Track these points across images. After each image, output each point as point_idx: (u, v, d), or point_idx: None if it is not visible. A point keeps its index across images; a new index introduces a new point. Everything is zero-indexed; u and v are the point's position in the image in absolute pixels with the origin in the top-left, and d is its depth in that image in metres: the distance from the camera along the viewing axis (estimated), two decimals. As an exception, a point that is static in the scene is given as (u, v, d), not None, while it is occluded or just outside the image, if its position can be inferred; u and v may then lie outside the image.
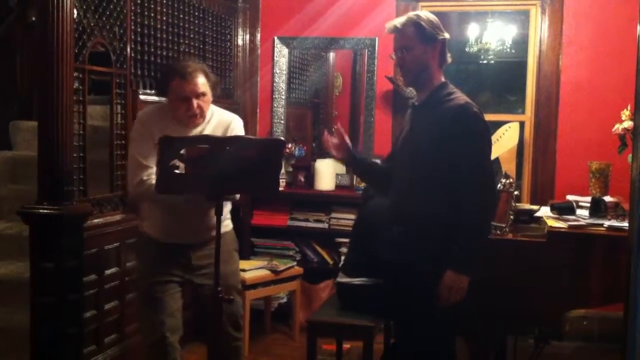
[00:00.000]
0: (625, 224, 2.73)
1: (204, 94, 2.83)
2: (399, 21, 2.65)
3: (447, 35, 2.68)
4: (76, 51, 3.10)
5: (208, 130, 2.91)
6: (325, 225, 4.74)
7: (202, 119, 2.89)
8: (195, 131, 2.89)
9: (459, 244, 2.53)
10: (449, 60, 2.71)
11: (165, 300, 2.88)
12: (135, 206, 3.15)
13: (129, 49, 3.55)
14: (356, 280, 3.50)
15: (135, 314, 3.60)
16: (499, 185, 3.07)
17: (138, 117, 3.00)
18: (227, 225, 3.07)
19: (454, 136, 2.53)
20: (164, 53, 3.91)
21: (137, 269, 3.11)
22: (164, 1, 3.91)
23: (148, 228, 2.96)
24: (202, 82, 2.82)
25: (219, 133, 2.92)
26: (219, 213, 2.58)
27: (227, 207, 3.05)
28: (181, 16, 4.12)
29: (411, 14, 2.69)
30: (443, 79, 2.70)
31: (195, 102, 2.80)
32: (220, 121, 2.97)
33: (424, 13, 2.68)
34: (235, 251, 3.14)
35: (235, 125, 2.99)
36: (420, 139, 2.64)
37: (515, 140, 4.70)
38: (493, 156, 4.12)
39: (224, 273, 2.82)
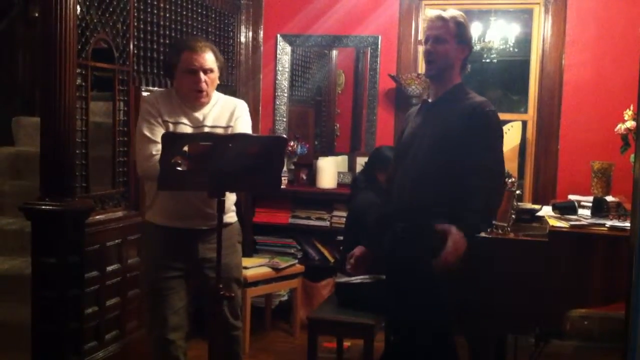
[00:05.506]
0: (627, 224, 2.72)
1: (211, 70, 2.88)
2: (444, 13, 2.73)
3: (473, 46, 2.80)
4: (79, 47, 3.10)
5: (213, 113, 2.94)
6: (327, 223, 4.74)
7: (208, 98, 2.92)
8: (200, 113, 2.92)
9: (470, 210, 2.52)
10: (468, 69, 2.80)
11: (171, 298, 2.89)
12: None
13: (131, 46, 3.55)
14: (355, 279, 3.50)
15: (136, 311, 3.63)
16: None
17: (144, 98, 2.99)
18: (231, 217, 3.05)
19: (471, 131, 2.57)
20: (167, 50, 3.91)
21: (143, 262, 3.12)
22: (167, -2, 3.91)
23: (153, 215, 2.94)
24: (210, 59, 2.88)
25: (224, 117, 2.95)
26: (221, 210, 2.58)
27: (232, 198, 3.03)
28: (184, 13, 4.12)
29: (456, 12, 2.76)
30: (460, 80, 2.76)
31: (202, 76, 2.85)
32: (225, 105, 2.99)
33: (465, 16, 2.76)
34: (239, 243, 3.14)
35: (240, 109, 3.01)
36: (434, 135, 2.65)
37: (517, 140, 4.69)
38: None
39: (227, 265, 2.89)
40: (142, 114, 2.90)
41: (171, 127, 2.86)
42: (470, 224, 2.54)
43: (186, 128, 2.88)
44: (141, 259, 3.26)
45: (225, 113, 2.96)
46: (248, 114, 3.05)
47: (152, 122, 2.84)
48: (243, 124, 2.99)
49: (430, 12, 2.80)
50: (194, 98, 2.89)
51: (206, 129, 2.90)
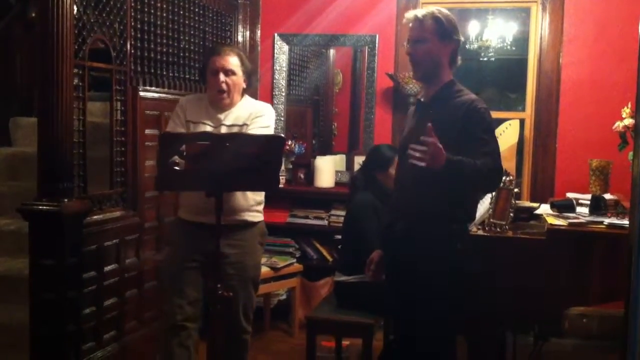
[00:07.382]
0: (626, 222, 2.73)
1: (233, 72, 3.00)
2: (420, 12, 2.65)
3: (462, 38, 2.71)
4: (76, 47, 3.09)
5: (235, 114, 3.04)
6: (325, 223, 4.74)
7: (230, 99, 3.01)
8: (222, 115, 3.02)
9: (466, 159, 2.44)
10: (459, 62, 2.72)
11: (188, 288, 3.00)
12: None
13: (129, 46, 3.54)
14: (353, 278, 3.50)
15: (135, 311, 3.62)
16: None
17: (179, 100, 3.16)
18: (256, 216, 3.13)
19: (466, 128, 2.52)
20: (164, 49, 3.91)
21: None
22: (164, -3, 3.90)
23: (180, 211, 3.14)
24: (233, 61, 3.00)
25: (243, 117, 3.03)
26: (219, 210, 2.58)
27: (256, 197, 3.11)
28: (181, 12, 4.11)
29: (433, 8, 2.67)
30: (451, 77, 2.71)
31: (222, 76, 2.97)
32: (249, 107, 3.08)
33: (445, 11, 2.67)
34: (260, 245, 3.19)
35: (260, 110, 3.07)
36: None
37: (515, 138, 4.69)
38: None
39: (243, 264, 3.03)
40: (172, 114, 3.11)
41: (192, 126, 3.01)
42: (453, 163, 2.40)
43: (205, 127, 3.01)
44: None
45: (245, 114, 3.04)
46: (270, 117, 3.10)
47: (176, 121, 3.04)
48: (258, 124, 3.02)
49: (407, 14, 2.69)
50: (216, 99, 3.01)
51: (224, 128, 3.00)
